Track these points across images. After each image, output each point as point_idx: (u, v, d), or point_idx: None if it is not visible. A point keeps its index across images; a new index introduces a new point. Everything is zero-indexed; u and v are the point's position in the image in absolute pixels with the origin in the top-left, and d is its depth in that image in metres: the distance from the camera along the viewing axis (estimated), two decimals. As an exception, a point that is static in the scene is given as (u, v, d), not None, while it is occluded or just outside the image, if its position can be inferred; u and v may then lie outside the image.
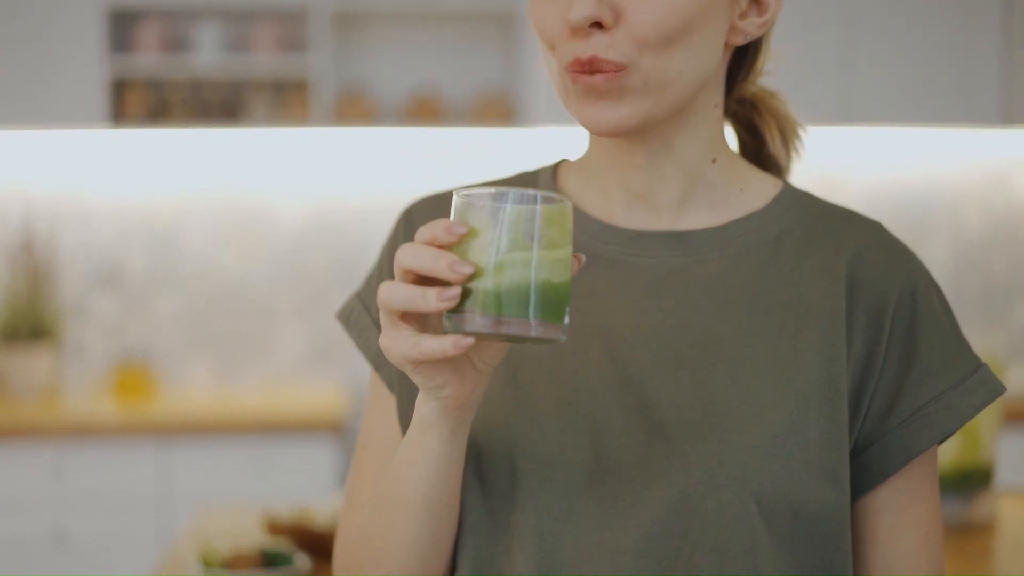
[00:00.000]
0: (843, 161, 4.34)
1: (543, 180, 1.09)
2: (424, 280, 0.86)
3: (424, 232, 0.85)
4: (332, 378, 4.24)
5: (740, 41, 1.02)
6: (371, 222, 4.25)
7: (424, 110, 4.09)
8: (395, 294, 0.85)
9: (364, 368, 3.83)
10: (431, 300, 0.83)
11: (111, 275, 4.20)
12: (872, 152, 4.38)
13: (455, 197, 0.85)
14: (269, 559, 1.97)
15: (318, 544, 2.05)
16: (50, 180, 4.18)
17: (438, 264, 0.83)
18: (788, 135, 1.12)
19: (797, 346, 0.99)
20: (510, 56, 4.18)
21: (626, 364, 0.99)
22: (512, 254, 0.83)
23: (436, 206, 1.10)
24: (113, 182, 4.20)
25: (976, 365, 1.02)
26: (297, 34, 4.08)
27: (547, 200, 0.84)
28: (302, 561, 1.99)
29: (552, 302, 0.84)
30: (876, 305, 1.00)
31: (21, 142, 4.15)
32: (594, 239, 1.05)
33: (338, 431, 3.71)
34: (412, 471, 0.96)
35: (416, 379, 0.90)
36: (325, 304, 4.24)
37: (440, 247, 0.84)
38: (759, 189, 1.07)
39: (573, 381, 0.99)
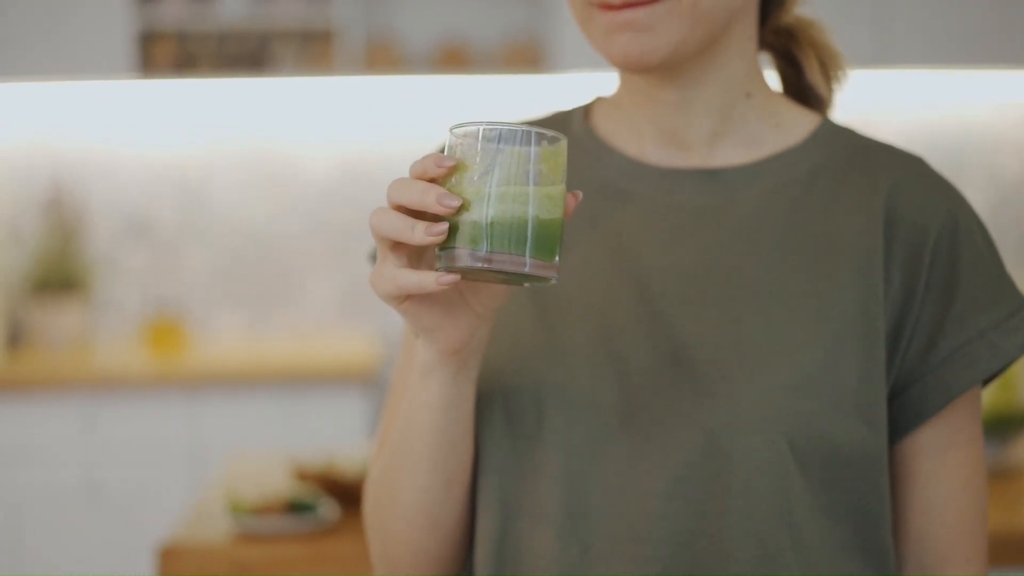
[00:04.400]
0: (878, 104, 4.28)
1: (576, 119, 1.07)
2: (417, 215, 0.83)
3: (415, 166, 0.83)
4: (362, 328, 4.24)
5: None
6: (400, 171, 4.19)
7: (452, 58, 4.06)
8: (385, 221, 0.83)
9: (394, 318, 3.81)
10: (419, 233, 0.81)
11: (141, 227, 4.20)
12: (908, 95, 4.31)
13: (448, 133, 0.83)
14: (296, 507, 1.97)
15: (345, 492, 2.04)
16: (78, 133, 4.17)
17: (426, 197, 0.81)
18: (828, 65, 1.08)
19: (832, 283, 0.96)
20: (537, 2, 4.12)
21: (655, 303, 0.97)
22: (504, 188, 0.81)
23: None
24: (141, 134, 4.19)
25: (1021, 303, 0.99)
26: (323, -18, 4.04)
27: (540, 136, 0.82)
28: (328, 508, 1.98)
29: (543, 239, 0.82)
30: (915, 240, 0.97)
31: (48, 95, 4.14)
32: (624, 176, 1.02)
33: (368, 381, 3.70)
34: (418, 416, 0.95)
35: (406, 319, 0.88)
36: (355, 253, 4.23)
37: (431, 180, 0.82)
38: (796, 124, 1.03)
39: (602, 320, 0.97)
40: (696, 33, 0.95)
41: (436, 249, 0.83)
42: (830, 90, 1.08)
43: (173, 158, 4.20)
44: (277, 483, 2.18)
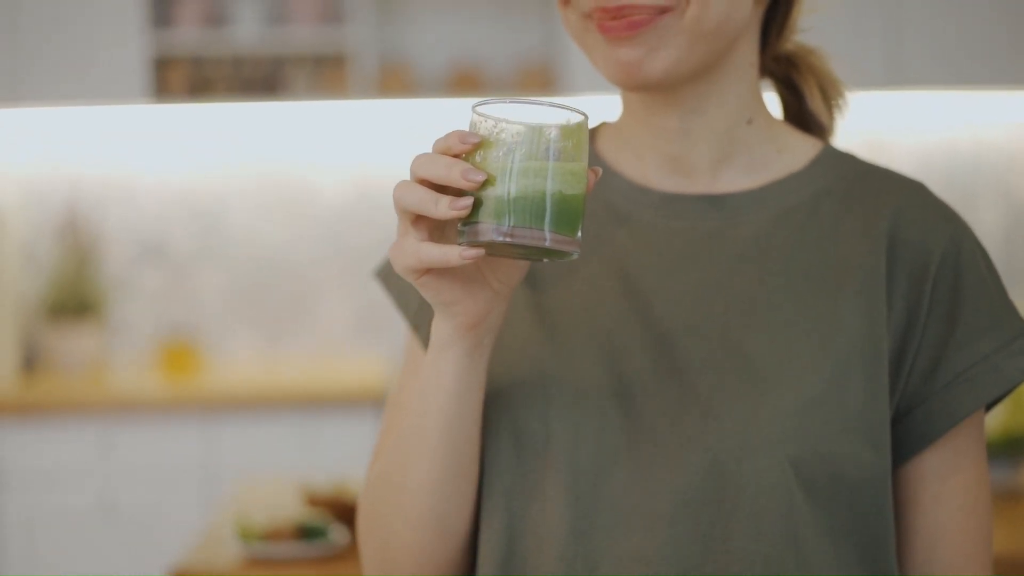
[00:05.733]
0: (891, 125, 4.27)
1: None
2: (439, 189, 0.84)
3: (439, 142, 0.84)
4: (375, 351, 4.24)
5: None
6: (413, 194, 4.23)
7: (465, 81, 4.07)
8: (409, 194, 0.83)
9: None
10: (442, 207, 0.82)
11: (155, 251, 4.22)
12: (921, 116, 4.30)
13: (472, 111, 0.85)
14: (305, 532, 1.97)
15: (355, 517, 2.04)
16: (93, 157, 4.20)
17: (451, 172, 0.82)
18: (829, 92, 1.08)
19: (836, 307, 0.97)
20: (550, 25, 4.14)
21: (660, 326, 0.98)
22: (526, 164, 0.82)
23: None
24: (156, 158, 4.21)
25: (1023, 328, 0.99)
26: (336, 6, 4.06)
27: (562, 113, 0.84)
28: (338, 534, 1.98)
29: (566, 213, 0.83)
30: (917, 265, 0.98)
31: (63, 119, 4.17)
32: (628, 201, 1.03)
33: (381, 404, 3.70)
34: (429, 399, 0.94)
35: (424, 294, 0.89)
36: (368, 277, 4.24)
37: (455, 156, 0.83)
38: (798, 150, 1.04)
39: (607, 342, 0.97)
40: (696, 51, 0.95)
41: (459, 224, 0.84)
42: (831, 117, 1.09)
43: (187, 182, 4.22)
44: (287, 508, 2.18)
